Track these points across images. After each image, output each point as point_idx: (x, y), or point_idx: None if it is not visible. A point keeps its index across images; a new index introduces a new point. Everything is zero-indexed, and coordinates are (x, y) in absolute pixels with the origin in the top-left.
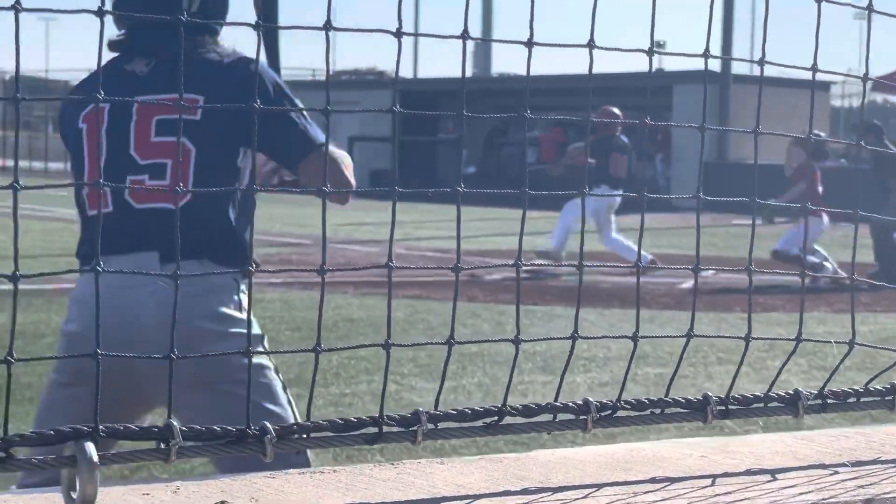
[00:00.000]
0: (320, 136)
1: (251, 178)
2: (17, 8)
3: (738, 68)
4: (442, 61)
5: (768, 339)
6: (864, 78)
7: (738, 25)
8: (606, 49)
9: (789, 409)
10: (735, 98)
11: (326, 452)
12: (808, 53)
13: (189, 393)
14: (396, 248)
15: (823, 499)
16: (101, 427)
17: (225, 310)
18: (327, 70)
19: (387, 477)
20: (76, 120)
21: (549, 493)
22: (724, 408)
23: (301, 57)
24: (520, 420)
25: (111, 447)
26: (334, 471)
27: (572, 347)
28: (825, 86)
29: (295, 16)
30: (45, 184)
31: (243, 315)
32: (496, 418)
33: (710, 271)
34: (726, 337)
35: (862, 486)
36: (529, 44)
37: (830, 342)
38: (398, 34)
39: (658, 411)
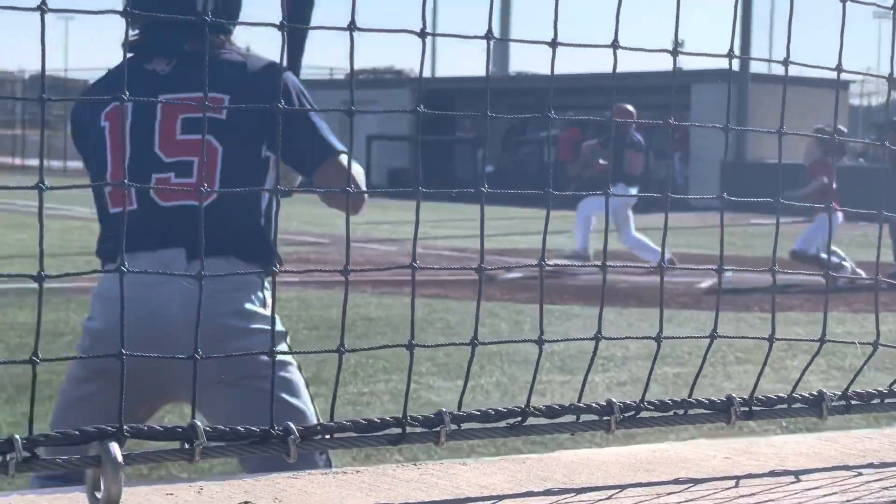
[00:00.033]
0: (338, 145)
1: (276, 178)
2: (42, 9)
3: (755, 67)
4: (460, 59)
5: (792, 339)
6: (890, 77)
7: (755, 23)
8: (631, 49)
9: (813, 410)
10: (753, 97)
11: (346, 452)
12: (824, 51)
13: (212, 388)
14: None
15: (848, 500)
16: (125, 427)
17: (250, 306)
18: (352, 70)
19: (410, 477)
20: (97, 118)
21: (573, 495)
22: (747, 409)
23: (316, 55)
24: (543, 421)
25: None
26: (357, 471)
27: (595, 348)
28: (844, 84)
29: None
30: (70, 184)
31: (267, 312)
32: (519, 419)
33: (731, 272)
34: (751, 338)
35: (887, 488)
36: (553, 44)
37: (854, 343)
38: (422, 34)
39: (681, 412)
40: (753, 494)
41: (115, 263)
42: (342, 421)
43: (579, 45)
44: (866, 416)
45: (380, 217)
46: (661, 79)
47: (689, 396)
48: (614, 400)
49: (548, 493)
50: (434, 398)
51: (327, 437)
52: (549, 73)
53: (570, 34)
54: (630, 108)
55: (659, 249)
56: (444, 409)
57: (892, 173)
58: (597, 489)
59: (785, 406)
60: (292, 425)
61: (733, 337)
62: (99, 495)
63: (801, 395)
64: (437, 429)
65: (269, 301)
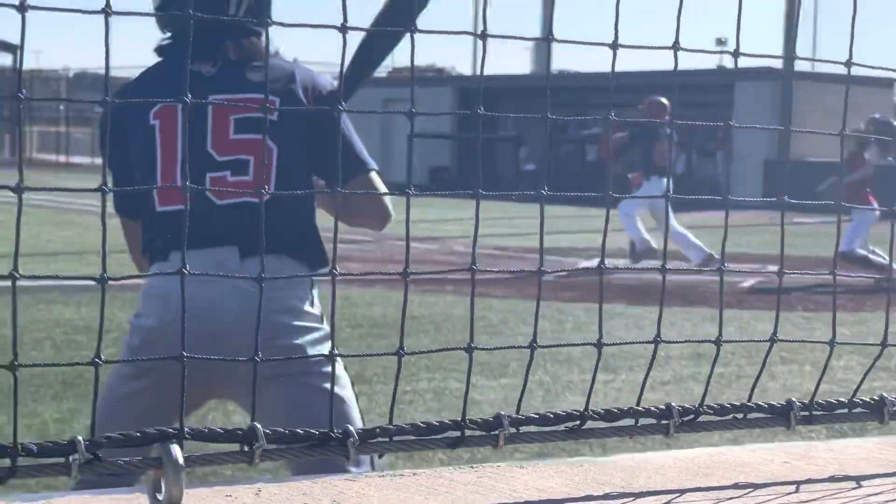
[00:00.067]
0: (371, 162)
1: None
2: (106, 12)
3: (798, 65)
4: (501, 57)
5: (854, 343)
6: None
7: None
8: (690, 51)
9: (874, 415)
10: (796, 95)
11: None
12: (866, 48)
13: (262, 385)
14: (455, 246)
15: None
16: (186, 429)
17: (300, 304)
18: (412, 72)
19: (467, 480)
20: (145, 117)
21: (632, 499)
22: (807, 413)
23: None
24: (602, 424)
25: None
26: (414, 474)
27: (654, 350)
28: (889, 83)
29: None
30: (132, 187)
31: (315, 310)
32: (578, 423)
33: (794, 273)
34: (812, 341)
35: None
36: (614, 45)
37: None
38: (483, 36)
39: (740, 416)
40: (814, 500)
41: (164, 261)
42: (401, 424)
43: (640, 48)
44: None
45: (420, 215)
46: (704, 77)
47: (749, 400)
48: (673, 404)
49: (606, 497)
50: (477, 396)
51: (386, 440)
52: (589, 71)
53: (609, 33)
54: (664, 100)
55: (702, 245)
56: (502, 413)
57: None
58: (656, 493)
59: (845, 411)
60: (352, 428)
61: (793, 340)
62: (160, 497)
63: (861, 400)
64: (496, 432)
65: (317, 300)
